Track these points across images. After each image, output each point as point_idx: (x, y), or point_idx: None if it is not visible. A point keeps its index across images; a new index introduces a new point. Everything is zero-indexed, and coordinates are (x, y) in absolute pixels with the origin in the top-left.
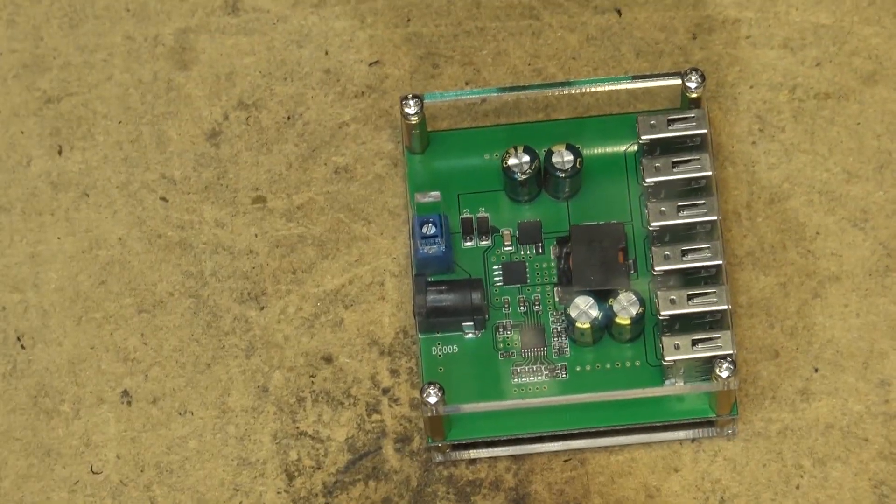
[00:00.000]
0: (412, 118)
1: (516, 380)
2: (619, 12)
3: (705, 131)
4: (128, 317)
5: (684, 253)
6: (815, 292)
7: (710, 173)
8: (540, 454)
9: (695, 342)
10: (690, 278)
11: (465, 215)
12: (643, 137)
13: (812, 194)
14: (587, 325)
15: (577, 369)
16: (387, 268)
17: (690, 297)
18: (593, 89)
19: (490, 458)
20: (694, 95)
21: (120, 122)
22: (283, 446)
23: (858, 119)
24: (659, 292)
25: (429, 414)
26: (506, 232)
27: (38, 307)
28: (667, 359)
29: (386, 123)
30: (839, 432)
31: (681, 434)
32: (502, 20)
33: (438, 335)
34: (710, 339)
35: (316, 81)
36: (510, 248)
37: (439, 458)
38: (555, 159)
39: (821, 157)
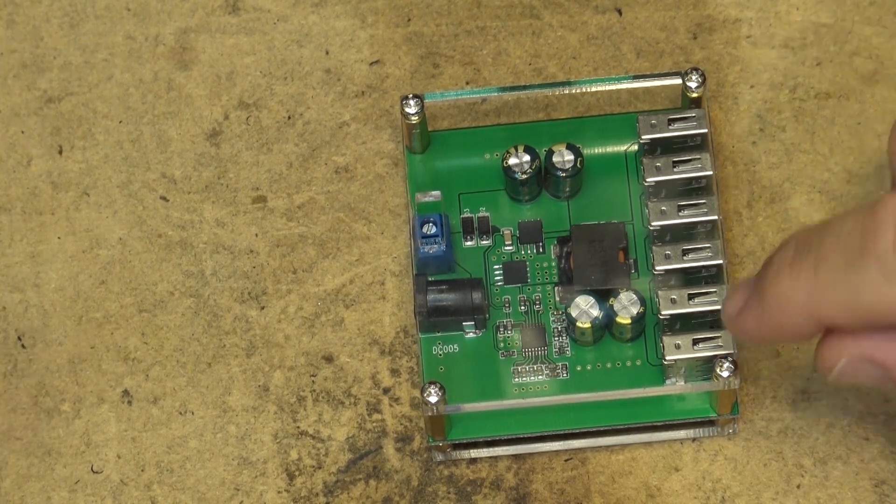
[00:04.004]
0: (413, 118)
1: (517, 379)
2: (620, 12)
3: (706, 131)
4: (128, 316)
5: (685, 252)
6: None
7: (710, 173)
8: (541, 453)
9: (695, 341)
10: (691, 278)
11: (465, 215)
12: (644, 137)
13: (813, 194)
14: (588, 325)
15: (578, 369)
16: (387, 267)
17: (691, 297)
18: (594, 89)
19: (491, 457)
20: (694, 95)
21: (120, 122)
22: (283, 446)
23: (859, 119)
24: (660, 292)
25: (429, 413)
26: (506, 231)
27: (39, 307)
28: (667, 358)
29: (386, 123)
30: (840, 431)
31: (681, 433)
32: (503, 20)
33: (439, 334)
34: (710, 338)
35: (316, 81)
36: (511, 247)
37: (440, 457)
38: (555, 159)
39: (821, 157)
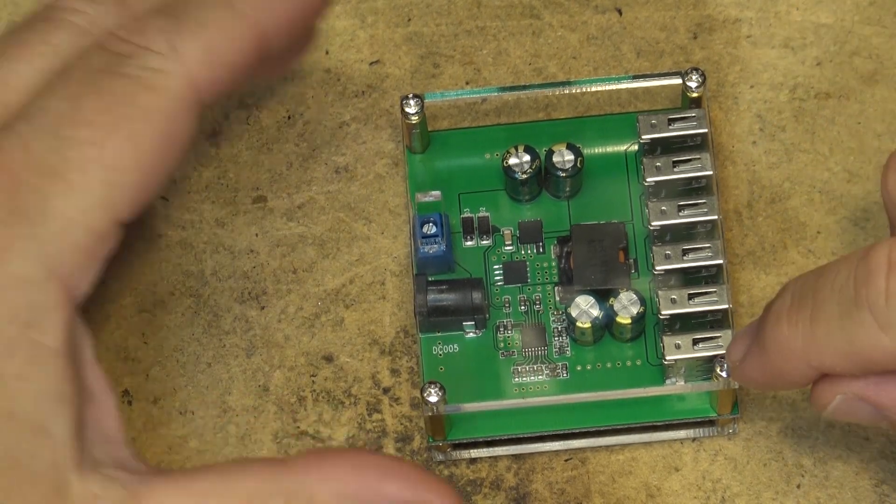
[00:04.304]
0: (413, 118)
1: (517, 379)
2: (620, 12)
3: (706, 131)
4: (128, 316)
5: (685, 252)
6: None
7: (710, 173)
8: (541, 453)
9: (695, 341)
10: (691, 278)
11: (465, 215)
12: (644, 137)
13: (813, 194)
14: (588, 325)
15: (578, 369)
16: (387, 267)
17: (691, 297)
18: (594, 89)
19: (491, 457)
20: (694, 95)
21: None
22: (283, 446)
23: (859, 119)
24: (660, 292)
25: (429, 413)
26: (506, 231)
27: None
28: (667, 358)
29: (386, 123)
30: (840, 431)
31: (681, 433)
32: (503, 19)
33: (439, 334)
34: (710, 338)
35: (316, 81)
36: (511, 247)
37: (440, 457)
38: (555, 159)
39: (821, 157)
